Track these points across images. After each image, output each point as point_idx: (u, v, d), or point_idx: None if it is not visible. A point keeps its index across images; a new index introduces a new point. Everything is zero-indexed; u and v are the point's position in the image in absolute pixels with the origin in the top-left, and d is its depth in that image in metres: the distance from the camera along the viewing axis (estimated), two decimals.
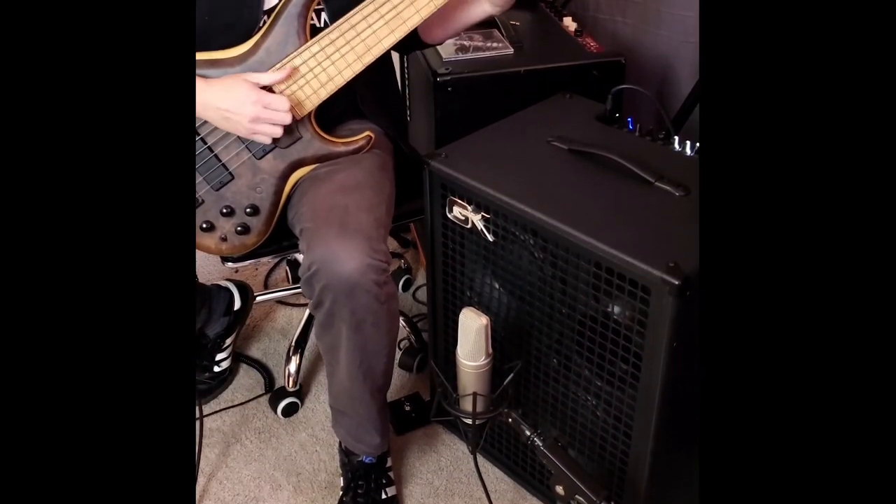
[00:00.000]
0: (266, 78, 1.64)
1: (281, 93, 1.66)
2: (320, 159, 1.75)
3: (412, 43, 1.88)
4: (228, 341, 2.26)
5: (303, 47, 1.65)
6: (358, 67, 1.67)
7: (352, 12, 1.64)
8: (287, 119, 1.65)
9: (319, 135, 1.73)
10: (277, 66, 1.65)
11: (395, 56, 2.12)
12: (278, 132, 1.66)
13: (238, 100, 1.62)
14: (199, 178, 1.71)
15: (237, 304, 2.27)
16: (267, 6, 1.72)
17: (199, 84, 1.63)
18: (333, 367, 1.78)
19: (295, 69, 1.65)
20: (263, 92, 1.63)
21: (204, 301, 2.19)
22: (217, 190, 1.73)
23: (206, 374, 2.22)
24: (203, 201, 1.74)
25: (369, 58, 1.66)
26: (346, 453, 1.94)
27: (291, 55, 1.65)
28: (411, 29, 1.67)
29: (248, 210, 1.75)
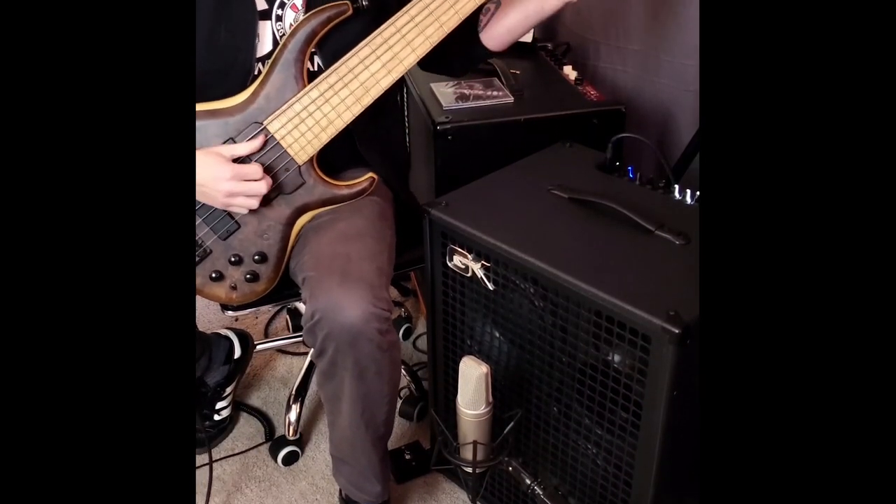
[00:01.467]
0: (242, 149, 1.65)
1: (282, 139, 1.67)
2: (325, 203, 1.76)
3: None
4: (229, 390, 2.25)
5: (301, 92, 1.66)
6: (357, 109, 1.68)
7: (348, 55, 1.66)
8: (263, 188, 1.65)
9: (323, 179, 1.74)
10: (277, 112, 1.66)
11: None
12: (254, 203, 1.66)
13: (212, 175, 1.62)
14: (206, 229, 1.72)
15: (237, 353, 2.27)
16: (259, 54, 1.74)
17: None
18: (335, 416, 1.78)
19: (268, 136, 1.67)
20: (237, 165, 1.64)
21: (204, 349, 2.19)
22: (224, 239, 1.74)
23: (207, 422, 2.21)
24: (211, 251, 1.74)
25: (368, 99, 1.68)
26: (346, 502, 1.93)
27: (291, 101, 1.66)
28: (408, 69, 1.69)
29: (256, 258, 1.75)
